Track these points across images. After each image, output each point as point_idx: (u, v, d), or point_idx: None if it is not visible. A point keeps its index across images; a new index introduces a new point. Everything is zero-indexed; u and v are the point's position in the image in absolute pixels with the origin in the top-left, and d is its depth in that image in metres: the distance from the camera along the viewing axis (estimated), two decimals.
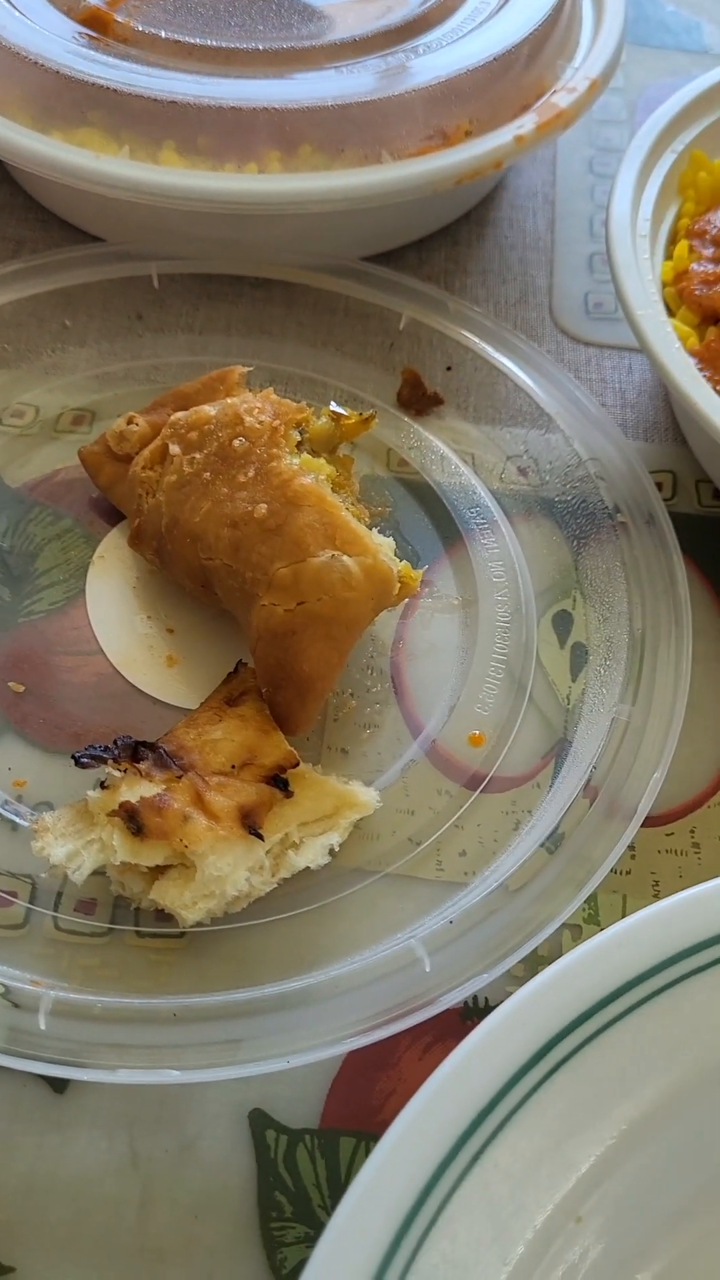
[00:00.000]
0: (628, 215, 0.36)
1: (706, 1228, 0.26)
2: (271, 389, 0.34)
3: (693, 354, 0.34)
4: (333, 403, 0.35)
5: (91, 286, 0.41)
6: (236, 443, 0.32)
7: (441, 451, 0.39)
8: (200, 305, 0.43)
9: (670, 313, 0.36)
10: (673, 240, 0.38)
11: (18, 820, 0.31)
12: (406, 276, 0.41)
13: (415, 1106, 0.24)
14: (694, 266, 0.36)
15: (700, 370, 0.34)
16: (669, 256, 0.38)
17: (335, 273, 0.41)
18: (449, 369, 0.41)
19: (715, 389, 0.33)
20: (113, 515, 0.37)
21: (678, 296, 0.36)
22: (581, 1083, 0.25)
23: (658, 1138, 0.25)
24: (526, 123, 0.41)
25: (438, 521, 0.38)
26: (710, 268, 0.36)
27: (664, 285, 0.37)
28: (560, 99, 0.42)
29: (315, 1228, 0.27)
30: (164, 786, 0.29)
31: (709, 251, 0.37)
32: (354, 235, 0.43)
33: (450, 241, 0.46)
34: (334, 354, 0.42)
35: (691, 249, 0.37)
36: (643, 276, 0.35)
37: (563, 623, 0.36)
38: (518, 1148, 0.24)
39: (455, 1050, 0.25)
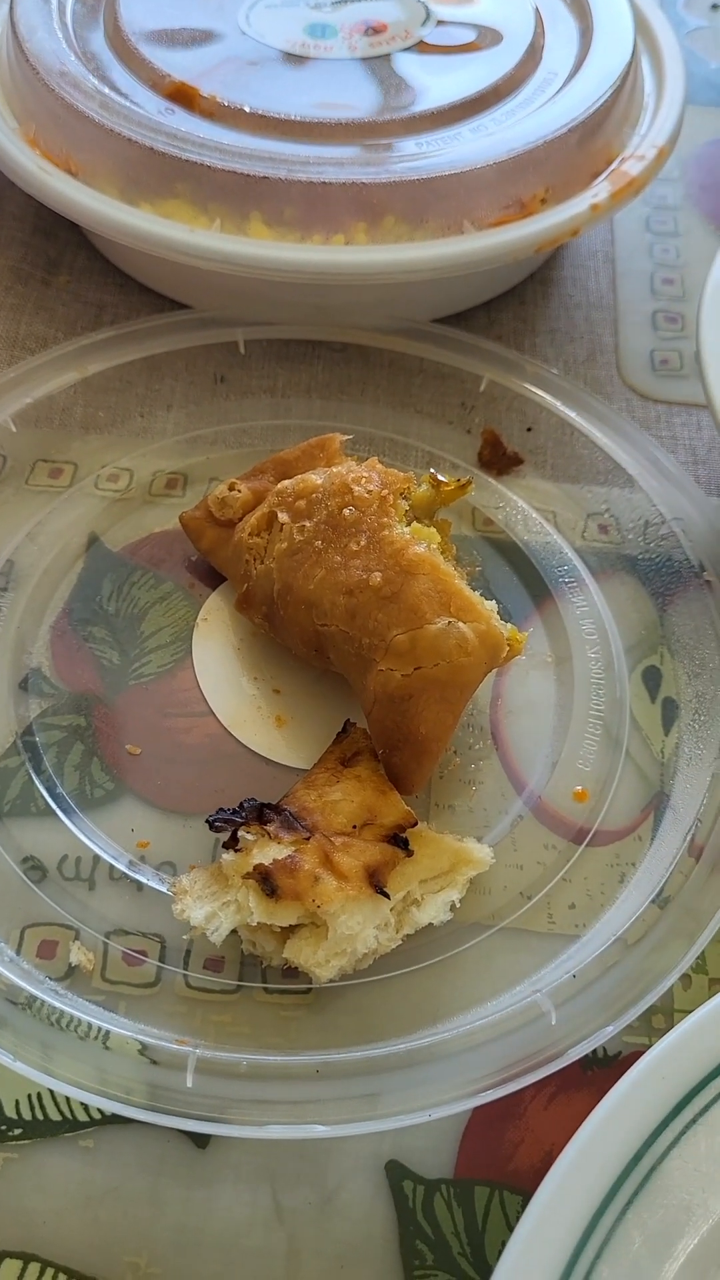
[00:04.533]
0: (716, 320, 0.38)
1: None
2: (376, 458, 0.35)
3: None
4: (432, 469, 0.36)
5: (176, 352, 0.43)
6: (346, 512, 0.34)
7: (524, 510, 0.41)
8: (280, 368, 0.44)
9: None
10: None
11: (144, 880, 0.33)
12: (482, 339, 0.43)
13: (565, 1161, 0.25)
14: None
15: None
16: None
17: (412, 336, 0.43)
18: (529, 430, 0.42)
19: None
20: (212, 578, 0.38)
21: None
22: (716, 1134, 0.26)
23: None
24: (600, 191, 0.42)
25: (526, 579, 0.39)
26: None
27: None
28: (631, 167, 0.43)
29: (457, 1274, 0.28)
30: (293, 848, 0.30)
31: None
32: (430, 299, 0.45)
33: (518, 301, 0.47)
34: (413, 415, 0.43)
35: None
36: None
37: (652, 678, 0.37)
38: (660, 1199, 0.25)
39: (599, 1106, 0.26)
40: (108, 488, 0.40)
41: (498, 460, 0.42)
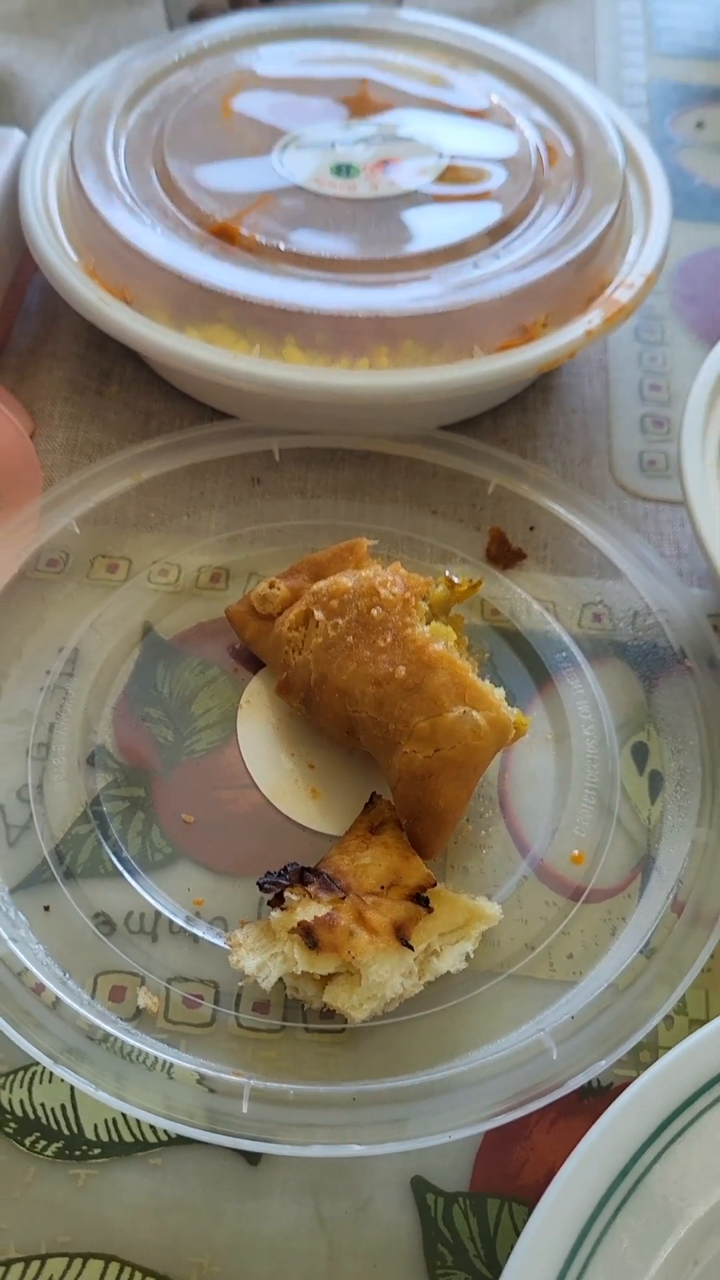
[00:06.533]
0: (697, 448, 0.43)
1: None
2: (399, 562, 0.41)
3: None
4: (447, 571, 0.42)
5: (219, 459, 0.48)
6: (375, 612, 0.39)
7: (527, 601, 0.46)
8: (310, 472, 0.49)
9: None
10: None
11: (199, 934, 0.38)
12: (490, 447, 0.48)
13: (564, 1176, 0.30)
14: None
15: None
16: None
17: (427, 444, 0.48)
18: (531, 528, 0.48)
19: None
20: (253, 663, 0.44)
21: None
22: (692, 1151, 0.31)
23: None
24: (594, 317, 0.48)
25: (529, 664, 0.44)
26: None
27: None
28: (621, 294, 0.49)
29: (473, 1274, 0.33)
30: (331, 906, 0.35)
31: None
32: (443, 409, 0.50)
33: (520, 408, 0.53)
34: (428, 514, 0.48)
35: None
36: (711, 506, 0.41)
37: (640, 753, 0.42)
38: (645, 1207, 0.30)
39: (592, 1129, 0.31)
40: (159, 581, 0.46)
41: (503, 555, 0.47)
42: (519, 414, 0.53)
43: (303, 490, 0.49)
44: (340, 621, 0.40)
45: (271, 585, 0.43)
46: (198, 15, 0.64)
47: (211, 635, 0.45)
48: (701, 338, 0.56)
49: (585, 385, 0.54)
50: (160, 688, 0.43)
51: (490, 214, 0.49)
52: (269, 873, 0.36)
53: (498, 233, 0.49)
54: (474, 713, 0.37)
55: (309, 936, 0.34)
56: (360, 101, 0.54)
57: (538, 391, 0.54)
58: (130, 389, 0.52)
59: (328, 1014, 0.36)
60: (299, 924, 0.35)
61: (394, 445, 0.49)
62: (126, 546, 0.47)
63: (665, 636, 0.44)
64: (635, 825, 0.41)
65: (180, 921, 0.38)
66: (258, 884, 0.36)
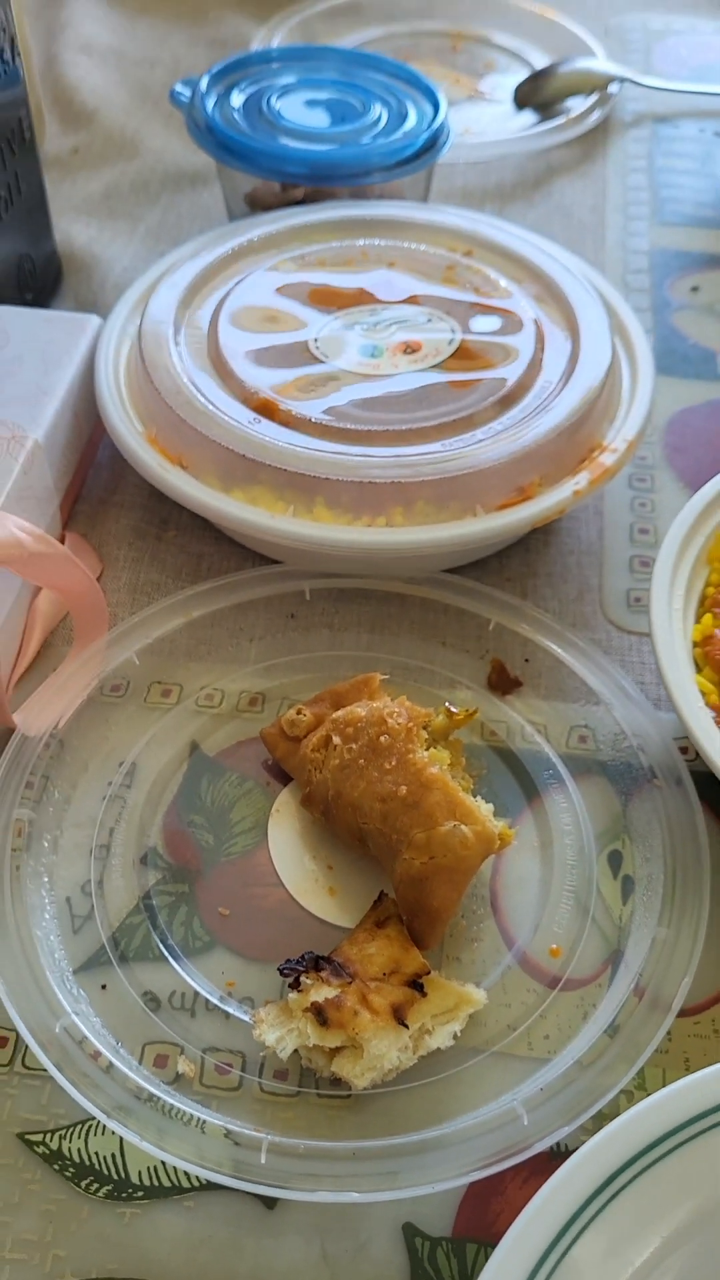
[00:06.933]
0: (665, 590, 0.50)
1: None
2: (405, 695, 0.48)
3: (712, 708, 0.47)
4: (447, 702, 0.49)
5: (258, 598, 0.56)
6: (383, 739, 0.46)
7: (521, 724, 0.53)
8: (337, 608, 0.57)
9: (699, 668, 0.49)
10: (702, 605, 0.51)
11: (230, 1011, 0.44)
12: (492, 589, 0.55)
13: (517, 1225, 0.36)
14: (717, 632, 0.50)
15: (718, 724, 0.46)
16: (699, 620, 0.51)
17: (437, 586, 0.56)
18: (527, 660, 0.55)
19: None
20: (283, 777, 0.51)
21: (703, 657, 0.50)
22: (634, 1204, 0.37)
23: (688, 1246, 0.37)
24: (581, 480, 0.55)
25: (521, 780, 0.51)
26: None
27: (695, 645, 0.50)
28: (606, 458, 0.56)
29: None
30: (339, 990, 0.42)
31: None
32: (455, 557, 0.58)
33: (524, 549, 0.60)
34: (438, 646, 0.56)
35: (715, 616, 0.51)
36: (675, 646, 0.48)
37: (615, 860, 0.49)
38: (590, 1250, 0.36)
39: (544, 1186, 0.37)
40: (205, 705, 0.54)
41: (502, 683, 0.54)
42: (522, 555, 0.60)
43: (331, 625, 0.57)
44: (354, 746, 0.47)
45: (299, 712, 0.50)
46: (251, 199, 0.74)
47: (248, 753, 0.52)
48: (687, 485, 0.64)
49: (582, 529, 0.62)
50: (204, 798, 0.51)
51: (494, 388, 0.58)
52: (289, 960, 0.43)
53: (500, 405, 0.57)
54: (463, 827, 0.44)
55: (320, 1015, 0.41)
56: (386, 288, 0.63)
57: (539, 535, 0.61)
58: (185, 534, 0.61)
59: (336, 1082, 0.42)
60: (312, 1004, 0.41)
61: (409, 587, 0.56)
62: (178, 674, 0.55)
63: (639, 757, 0.50)
64: (608, 923, 0.47)
65: (215, 1000, 0.45)
66: (278, 969, 0.43)
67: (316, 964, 0.43)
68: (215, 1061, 0.43)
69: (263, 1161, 0.40)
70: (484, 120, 0.89)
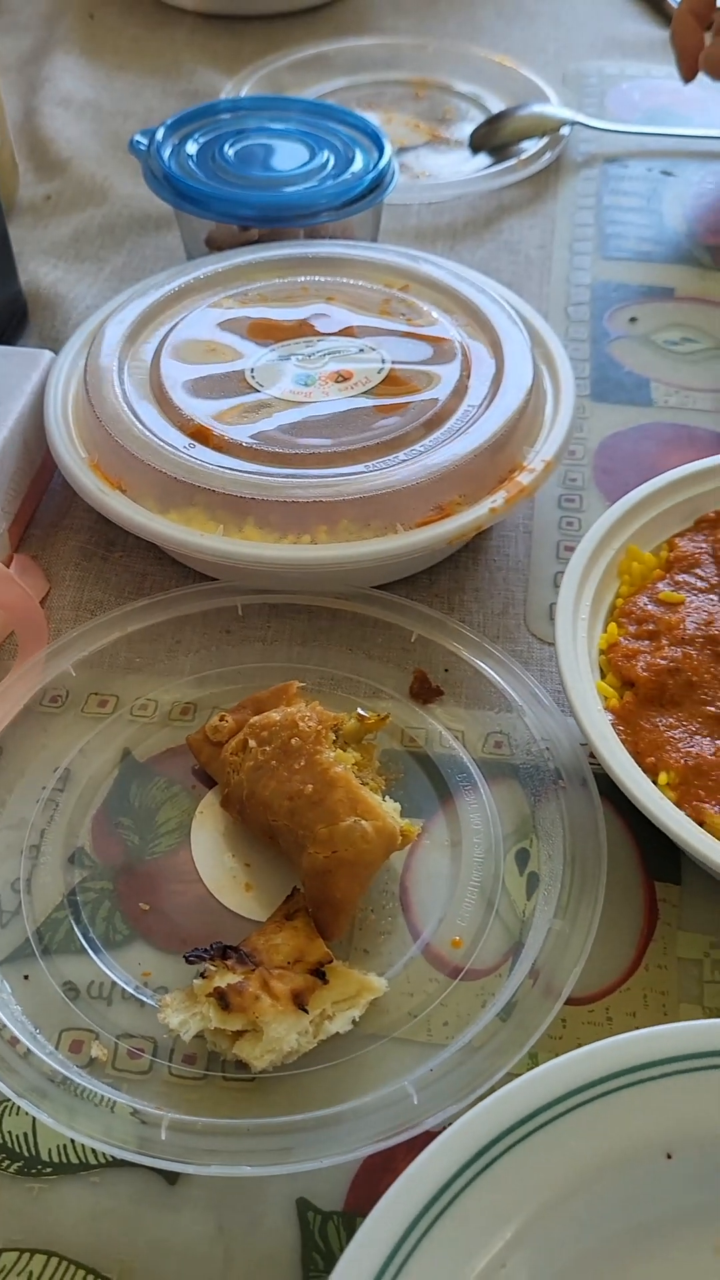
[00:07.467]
0: (571, 601, 0.52)
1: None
2: (318, 701, 0.51)
3: (611, 711, 0.50)
4: (359, 708, 0.51)
5: (194, 614, 0.59)
6: (294, 741, 0.49)
7: (440, 731, 0.55)
8: (270, 622, 0.60)
9: (603, 674, 0.52)
10: (610, 615, 0.54)
11: (145, 1000, 0.47)
12: (415, 602, 0.58)
13: (384, 1199, 0.38)
14: (621, 640, 0.52)
15: (615, 726, 0.49)
16: (606, 629, 0.54)
17: (363, 600, 0.58)
18: (447, 670, 0.57)
19: (622, 739, 0.48)
20: (209, 781, 0.54)
21: (607, 664, 0.52)
22: (498, 1181, 0.39)
23: (552, 1217, 0.39)
24: (499, 498, 0.58)
25: (435, 784, 0.53)
26: (630, 643, 0.52)
27: (601, 653, 0.53)
28: (523, 478, 0.59)
29: None
30: (243, 976, 0.44)
31: (632, 629, 0.53)
32: (381, 573, 0.60)
33: (453, 566, 0.63)
34: (364, 658, 0.58)
35: (620, 626, 0.53)
36: (578, 652, 0.50)
37: (522, 857, 0.51)
38: (453, 1227, 0.38)
39: (417, 1159, 0.39)
40: (139, 715, 0.56)
41: (424, 692, 0.57)
42: (451, 571, 0.63)
43: (264, 639, 0.59)
44: (268, 749, 0.49)
45: (221, 718, 0.53)
46: (210, 241, 0.78)
47: (177, 759, 0.55)
48: (612, 504, 0.66)
49: (510, 547, 0.64)
50: (132, 801, 0.53)
51: (419, 413, 0.60)
52: (195, 949, 0.45)
53: (425, 428, 0.60)
54: (363, 822, 0.46)
55: (222, 999, 0.43)
56: (323, 321, 0.66)
57: (469, 552, 0.64)
58: (131, 555, 0.64)
59: (240, 1065, 0.45)
60: (215, 989, 0.44)
61: (338, 602, 0.59)
62: (115, 686, 0.57)
63: (548, 761, 0.53)
64: (512, 917, 0.49)
65: (130, 989, 0.47)
66: (184, 957, 0.45)
67: (224, 953, 0.45)
68: (128, 1047, 0.46)
69: (163, 1138, 0.42)
70: (441, 164, 0.93)
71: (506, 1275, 0.38)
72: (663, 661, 0.51)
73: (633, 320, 0.78)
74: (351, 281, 0.69)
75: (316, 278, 0.70)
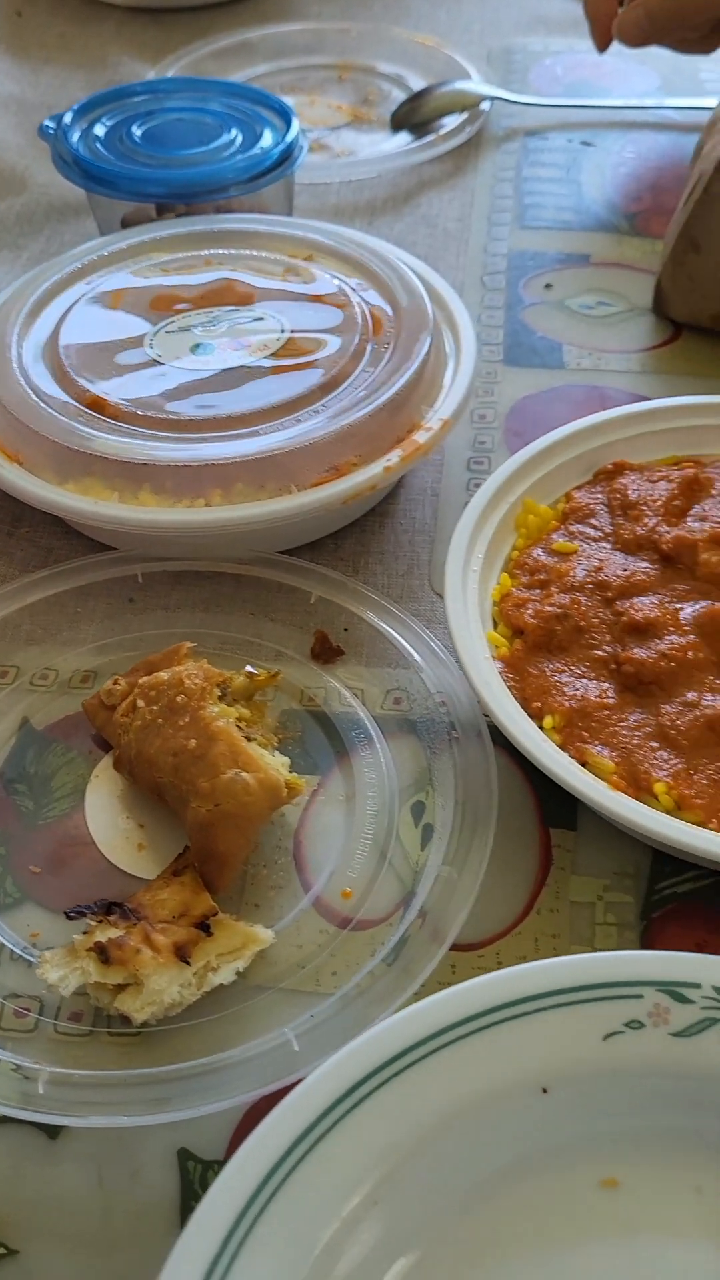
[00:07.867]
0: (462, 553, 0.52)
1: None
2: (205, 660, 0.51)
3: (501, 660, 0.50)
4: (248, 665, 0.51)
5: (97, 583, 0.59)
6: (179, 698, 0.49)
7: (339, 690, 0.55)
8: (173, 590, 0.60)
9: (495, 625, 0.52)
10: (506, 567, 0.54)
11: (32, 960, 0.47)
12: (316, 565, 0.58)
13: (244, 1147, 0.37)
14: (514, 591, 0.52)
15: (504, 674, 0.49)
16: (500, 581, 0.54)
17: (264, 565, 0.58)
18: (346, 630, 0.57)
19: (511, 688, 0.48)
20: (106, 747, 0.53)
21: (499, 614, 0.52)
22: (366, 1122, 0.38)
23: (428, 1153, 0.39)
24: (394, 457, 0.58)
25: (332, 741, 0.53)
26: (523, 593, 0.52)
27: (494, 604, 0.53)
28: (420, 436, 0.59)
29: None
30: (125, 931, 0.44)
31: (525, 579, 0.53)
32: (283, 536, 0.60)
33: (359, 530, 0.63)
34: (266, 621, 0.58)
35: (513, 577, 0.53)
36: (468, 603, 0.50)
37: (417, 810, 0.51)
38: (320, 1167, 0.37)
39: (275, 1108, 0.38)
40: (39, 684, 0.56)
41: (325, 653, 0.57)
42: (358, 535, 0.63)
43: (166, 606, 0.59)
44: (155, 708, 0.49)
45: (115, 682, 0.53)
46: (126, 224, 0.78)
47: (75, 726, 0.55)
48: None
49: (417, 509, 0.64)
50: (28, 768, 0.53)
51: (316, 376, 0.60)
52: (79, 905, 0.45)
53: (321, 391, 0.60)
54: (244, 774, 0.46)
55: (102, 953, 0.43)
56: (226, 292, 0.67)
57: (375, 516, 0.64)
58: (37, 530, 0.64)
59: (125, 1021, 0.44)
60: (95, 944, 0.44)
61: (239, 567, 0.59)
62: (16, 657, 0.57)
63: (445, 715, 0.52)
64: (405, 868, 0.49)
65: (19, 950, 0.47)
66: (65, 913, 0.45)
67: (108, 909, 0.45)
68: (14, 1007, 0.45)
69: (41, 1091, 0.42)
70: (363, 143, 0.93)
71: (378, 1214, 0.38)
72: (550, 608, 0.51)
73: (548, 286, 0.78)
74: (254, 253, 0.69)
75: (220, 250, 0.70)
